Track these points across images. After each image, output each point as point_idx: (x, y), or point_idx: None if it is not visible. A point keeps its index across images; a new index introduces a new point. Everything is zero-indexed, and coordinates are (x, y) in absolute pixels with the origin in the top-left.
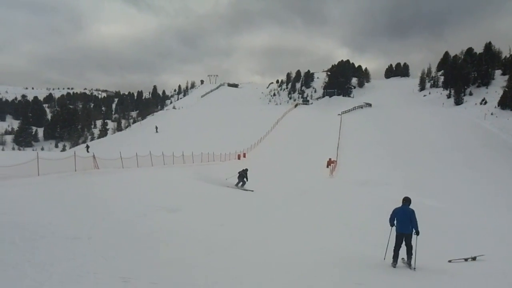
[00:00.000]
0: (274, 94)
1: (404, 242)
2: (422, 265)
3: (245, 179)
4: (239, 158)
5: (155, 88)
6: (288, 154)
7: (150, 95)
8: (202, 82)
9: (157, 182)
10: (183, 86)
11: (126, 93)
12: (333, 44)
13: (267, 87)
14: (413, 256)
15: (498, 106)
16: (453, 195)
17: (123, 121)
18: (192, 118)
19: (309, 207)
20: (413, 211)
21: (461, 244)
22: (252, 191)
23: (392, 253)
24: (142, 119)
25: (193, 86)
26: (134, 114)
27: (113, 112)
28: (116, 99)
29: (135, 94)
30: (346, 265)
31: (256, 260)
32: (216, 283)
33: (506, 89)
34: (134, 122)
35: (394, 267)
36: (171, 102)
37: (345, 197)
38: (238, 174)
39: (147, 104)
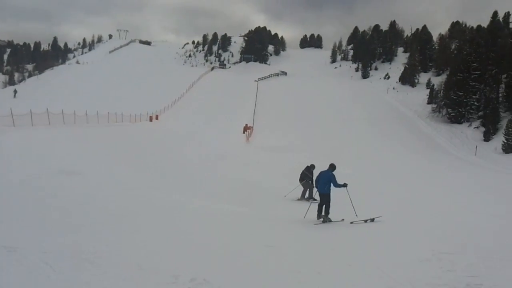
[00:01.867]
0: (190, 55)
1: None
2: (328, 226)
3: (310, 182)
4: (151, 120)
5: (55, 39)
6: (204, 118)
7: (50, 47)
8: (110, 36)
9: (56, 142)
10: (88, 40)
11: (21, 44)
12: (250, 9)
13: (182, 48)
14: (328, 214)
15: (399, 81)
16: (361, 162)
17: (16, 74)
18: (99, 75)
19: (226, 171)
20: (332, 175)
21: (363, 207)
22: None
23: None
24: (40, 73)
25: (100, 40)
26: (30, 67)
27: (4, 64)
28: (8, 50)
29: (32, 45)
30: (261, 226)
31: (166, 224)
32: (119, 250)
33: (406, 66)
34: (30, 76)
35: (318, 220)
36: (74, 56)
37: (261, 162)
38: (301, 179)
39: (46, 56)
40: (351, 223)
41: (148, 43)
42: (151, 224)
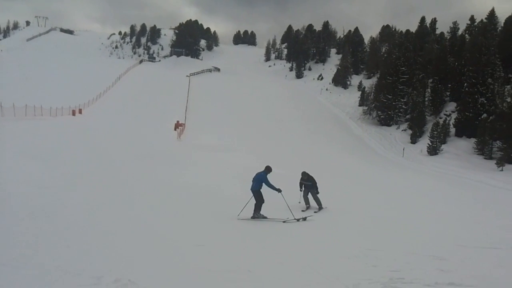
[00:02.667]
0: (117, 47)
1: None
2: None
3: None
4: (74, 114)
5: None
6: (132, 113)
7: None
8: (28, 23)
9: None
10: (3, 26)
11: None
12: (182, 0)
13: (108, 38)
14: (259, 211)
15: (332, 82)
16: (295, 162)
17: None
18: (16, 64)
19: (155, 170)
20: (264, 176)
21: (297, 206)
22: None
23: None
24: None
25: (16, 27)
26: None
27: None
28: None
29: None
30: (191, 225)
31: (88, 225)
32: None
33: (339, 67)
34: None
35: (253, 218)
36: None
37: (193, 161)
38: (300, 188)
39: None
40: (284, 222)
41: (70, 32)
42: (72, 225)
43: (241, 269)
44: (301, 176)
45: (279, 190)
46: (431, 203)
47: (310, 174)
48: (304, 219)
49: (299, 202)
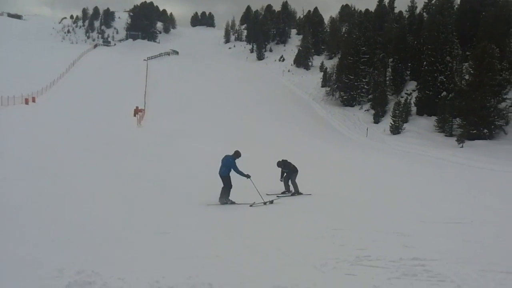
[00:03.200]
0: (69, 31)
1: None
2: (227, 209)
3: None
4: (26, 103)
5: None
6: (88, 100)
7: None
8: None
9: None
10: None
11: None
12: None
13: (59, 22)
14: (228, 197)
15: (294, 64)
16: (260, 144)
17: None
18: None
19: (115, 157)
20: (232, 161)
21: (263, 190)
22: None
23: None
24: None
25: None
26: None
27: None
28: None
29: None
30: (156, 213)
31: (47, 216)
32: None
33: (300, 48)
34: None
35: (222, 203)
36: None
37: (154, 147)
38: (281, 174)
39: None
40: (250, 205)
41: (18, 16)
42: (31, 217)
43: (208, 255)
44: (280, 166)
45: (247, 176)
46: (395, 182)
47: (288, 161)
48: (271, 202)
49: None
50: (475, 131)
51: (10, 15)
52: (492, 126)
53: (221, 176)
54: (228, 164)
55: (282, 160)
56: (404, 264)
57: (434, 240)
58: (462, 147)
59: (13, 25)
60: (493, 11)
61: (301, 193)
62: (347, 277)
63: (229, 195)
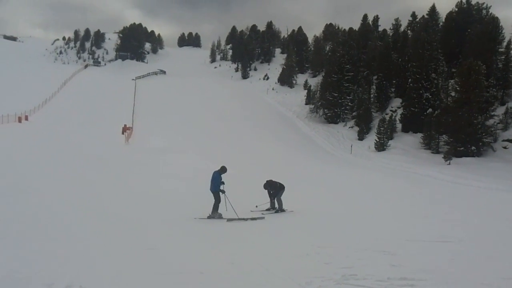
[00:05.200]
0: (61, 52)
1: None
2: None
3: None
4: (20, 121)
5: None
6: (79, 119)
7: None
8: None
9: None
10: None
11: None
12: (124, 3)
13: (52, 44)
14: (217, 211)
15: (278, 82)
16: (245, 161)
17: None
18: None
19: (103, 174)
20: (217, 176)
21: (246, 205)
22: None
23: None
24: None
25: None
26: None
27: None
28: None
29: None
30: (142, 229)
31: (37, 231)
32: None
33: (284, 66)
34: None
35: (208, 218)
36: None
37: (141, 164)
38: (268, 195)
39: None
40: (227, 220)
41: (13, 38)
42: (21, 232)
43: (192, 270)
44: (265, 183)
45: (222, 191)
46: (380, 199)
47: (274, 180)
48: (254, 219)
49: (256, 206)
50: (462, 148)
51: (6, 37)
52: (480, 143)
53: (212, 192)
54: (214, 178)
55: (267, 181)
56: (392, 284)
57: (422, 259)
58: (449, 164)
59: (8, 46)
60: (479, 28)
61: (284, 210)
62: None
63: (217, 210)
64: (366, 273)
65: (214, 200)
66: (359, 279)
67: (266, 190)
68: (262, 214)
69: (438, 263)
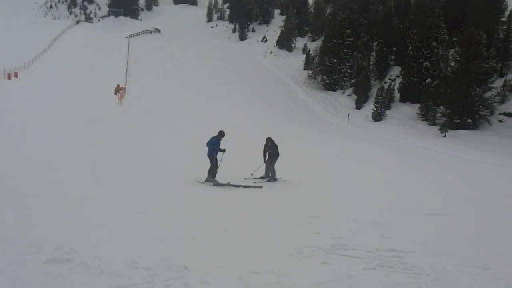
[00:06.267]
0: (51, 7)
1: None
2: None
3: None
4: (9, 78)
5: None
6: (70, 77)
7: None
8: None
9: None
10: None
11: None
12: None
13: None
14: (215, 175)
15: (276, 45)
16: (239, 127)
17: None
18: None
19: (95, 136)
20: (214, 140)
21: (241, 174)
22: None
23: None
24: None
25: None
26: None
27: None
28: None
29: None
30: (135, 193)
31: (27, 192)
32: None
33: (283, 29)
34: None
35: (208, 181)
36: None
37: (134, 127)
38: (264, 158)
39: None
40: (221, 184)
41: None
42: (11, 194)
43: (184, 236)
44: (265, 143)
45: (223, 150)
46: (374, 170)
47: (275, 142)
48: (247, 186)
49: (251, 174)
50: (458, 121)
51: None
52: (476, 116)
53: (208, 156)
54: (211, 143)
55: (268, 137)
56: (380, 255)
57: (412, 231)
58: (444, 136)
59: None
60: None
61: (276, 179)
62: (322, 265)
63: (214, 175)
64: (355, 243)
65: (210, 164)
66: (348, 249)
67: (267, 148)
68: (254, 182)
69: (427, 236)
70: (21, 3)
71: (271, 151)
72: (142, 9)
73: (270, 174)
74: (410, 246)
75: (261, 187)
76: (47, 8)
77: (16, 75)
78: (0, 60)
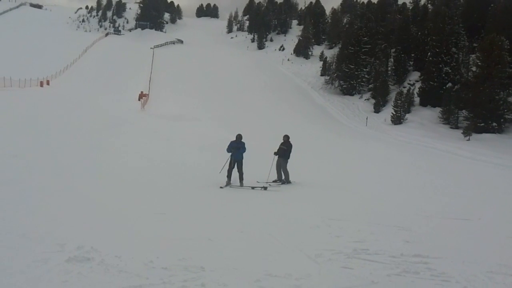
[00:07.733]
0: (83, 21)
1: (236, 167)
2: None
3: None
4: (41, 86)
5: None
6: (98, 84)
7: None
8: None
9: None
10: None
11: None
12: None
13: (75, 12)
14: (243, 178)
15: (294, 53)
16: (257, 131)
17: None
18: None
19: (119, 139)
20: (243, 143)
21: (262, 173)
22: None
23: (227, 173)
24: None
25: None
26: None
27: None
28: None
29: None
30: (155, 194)
31: (52, 192)
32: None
33: (300, 38)
34: None
35: (227, 185)
36: None
37: (156, 130)
38: (276, 155)
39: None
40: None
41: (39, 6)
42: (37, 193)
43: (201, 237)
44: (283, 140)
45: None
46: (396, 173)
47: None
48: (265, 188)
49: (269, 184)
50: (482, 124)
51: (32, 5)
52: (502, 120)
53: (237, 160)
54: (243, 147)
55: (285, 135)
56: (405, 261)
57: (439, 236)
58: (468, 139)
59: (34, 14)
60: (503, 2)
61: (290, 182)
62: (343, 270)
63: (230, 176)
64: (378, 248)
65: (238, 168)
66: (371, 254)
67: (282, 144)
68: (269, 185)
69: (455, 241)
70: (56, 18)
71: (284, 147)
72: (167, 22)
73: (283, 177)
74: (437, 251)
75: (265, 188)
76: (80, 22)
77: (48, 83)
78: (35, 70)
